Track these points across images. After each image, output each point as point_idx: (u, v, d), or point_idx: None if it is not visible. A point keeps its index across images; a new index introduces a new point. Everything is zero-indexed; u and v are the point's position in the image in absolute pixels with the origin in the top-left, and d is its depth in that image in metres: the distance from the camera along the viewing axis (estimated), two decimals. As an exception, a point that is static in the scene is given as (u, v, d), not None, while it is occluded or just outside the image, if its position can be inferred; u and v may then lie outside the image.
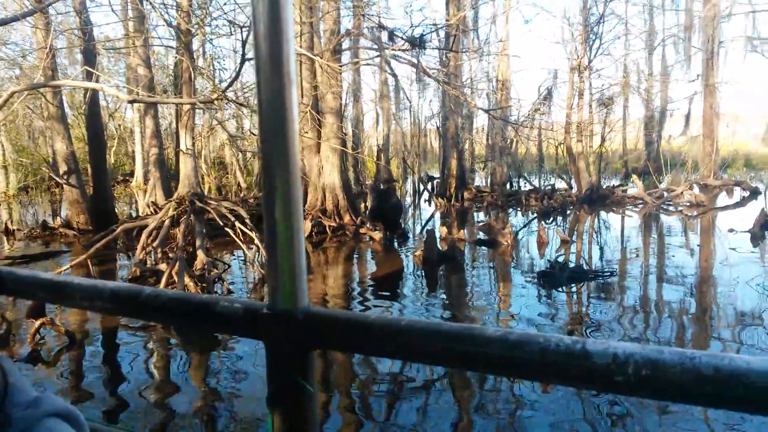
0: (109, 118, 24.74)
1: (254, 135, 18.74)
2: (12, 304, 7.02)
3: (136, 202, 19.35)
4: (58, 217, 13.09)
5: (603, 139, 20.24)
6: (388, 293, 7.67)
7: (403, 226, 11.48)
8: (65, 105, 13.40)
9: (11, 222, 12.60)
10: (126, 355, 5.38)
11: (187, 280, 7.05)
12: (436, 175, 21.28)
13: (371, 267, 9.57)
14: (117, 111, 26.95)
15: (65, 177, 11.92)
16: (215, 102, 7.46)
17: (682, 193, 16.79)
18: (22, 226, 13.05)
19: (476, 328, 0.86)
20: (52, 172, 14.48)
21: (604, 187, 18.48)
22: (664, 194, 17.08)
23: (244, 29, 6.53)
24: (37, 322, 5.48)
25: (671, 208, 15.63)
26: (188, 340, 5.79)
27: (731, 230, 11.09)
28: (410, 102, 21.31)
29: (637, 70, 23.91)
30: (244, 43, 6.48)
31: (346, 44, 13.44)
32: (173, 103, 8.55)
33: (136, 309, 1.16)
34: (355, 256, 10.42)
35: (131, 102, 6.43)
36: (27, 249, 10.83)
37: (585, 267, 8.29)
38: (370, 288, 7.97)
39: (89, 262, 8.39)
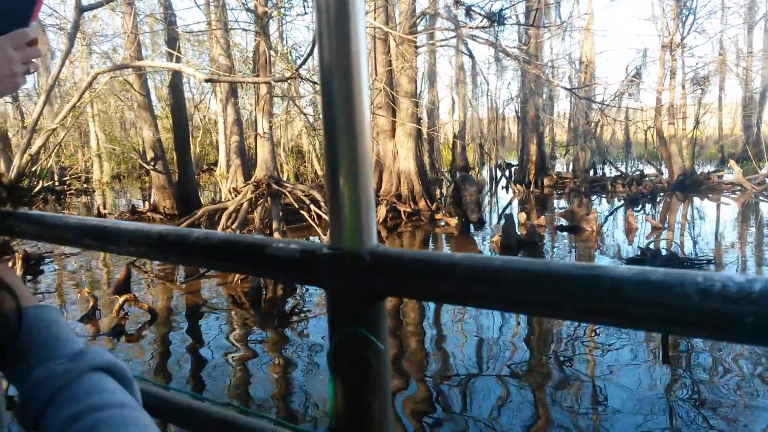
0: (194, 110, 25.76)
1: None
2: (103, 279, 7.37)
3: (220, 189, 20.08)
4: (147, 202, 13.73)
5: (697, 122, 18.92)
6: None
7: (480, 212, 11.14)
8: (152, 96, 14.00)
9: (103, 206, 13.33)
10: (206, 331, 5.48)
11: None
12: (514, 162, 20.66)
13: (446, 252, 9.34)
14: (201, 102, 28.07)
15: (152, 163, 12.45)
16: (291, 83, 7.46)
17: (787, 179, 15.36)
18: (114, 211, 13.79)
19: (601, 267, 0.64)
20: (141, 159, 15.20)
21: (698, 173, 17.21)
22: (765, 180, 15.68)
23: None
24: (121, 299, 5.68)
25: (775, 195, 14.32)
26: (265, 319, 5.83)
27: None
28: (488, 84, 20.76)
29: (735, 47, 22.06)
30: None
31: (420, 27, 13.16)
32: (249, 83, 8.66)
33: (184, 253, 1.04)
34: (430, 241, 10.23)
35: (207, 81, 6.51)
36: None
37: (679, 255, 7.67)
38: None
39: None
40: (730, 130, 24.76)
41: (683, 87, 18.30)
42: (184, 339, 5.30)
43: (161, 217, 12.40)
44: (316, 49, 0.84)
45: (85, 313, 5.76)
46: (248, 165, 16.39)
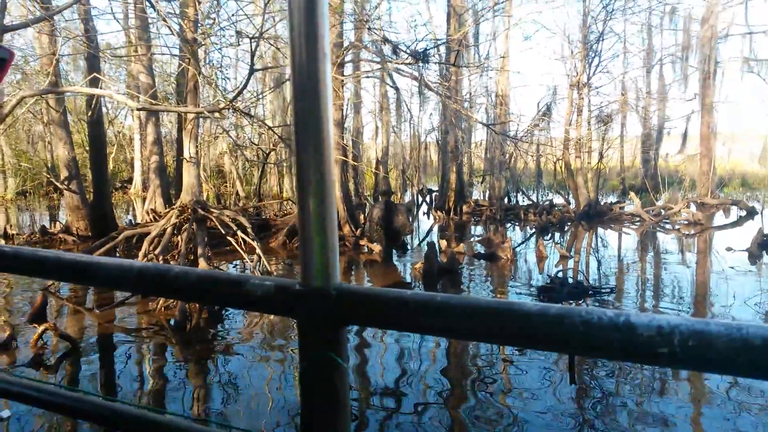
0: (109, 125, 24.76)
1: (255, 144, 18.80)
2: (8, 310, 6.99)
3: (134, 209, 19.34)
4: (57, 223, 13.05)
5: (601, 156, 20.35)
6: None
7: (403, 238, 11.47)
8: (67, 112, 13.42)
9: (10, 226, 12.55)
10: (124, 359, 5.36)
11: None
12: (435, 188, 21.31)
13: (370, 279, 9.56)
14: (116, 118, 27.02)
15: (66, 182, 11.91)
16: (219, 112, 7.49)
17: (679, 211, 16.87)
18: (21, 231, 13.00)
19: (515, 303, 0.88)
20: (52, 177, 14.45)
21: (602, 203, 18.53)
22: (661, 212, 17.15)
23: (252, 40, 6.58)
24: (40, 328, 5.45)
25: (668, 226, 15.69)
26: (187, 347, 5.78)
27: (729, 249, 11.14)
28: (411, 114, 21.43)
29: (635, 88, 24.11)
30: (252, 53, 6.52)
31: (348, 57, 13.53)
32: (181, 112, 8.58)
33: (164, 288, 1.17)
34: (353, 267, 10.40)
35: (140, 110, 6.46)
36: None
37: (584, 283, 8.30)
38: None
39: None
40: (630, 163, 26.79)
41: (589, 123, 19.66)
42: (104, 368, 5.16)
43: (74, 239, 11.83)
44: (290, 101, 1.03)
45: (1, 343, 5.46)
46: (168, 185, 15.97)
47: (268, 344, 5.91)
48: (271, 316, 6.99)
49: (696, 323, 0.76)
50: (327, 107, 0.97)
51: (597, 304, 7.44)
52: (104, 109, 19.69)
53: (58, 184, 12.03)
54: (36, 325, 5.39)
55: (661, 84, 24.97)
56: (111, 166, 23.97)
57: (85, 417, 1.28)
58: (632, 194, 19.09)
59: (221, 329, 6.50)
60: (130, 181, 25.67)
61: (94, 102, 11.13)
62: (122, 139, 27.64)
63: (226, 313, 7.04)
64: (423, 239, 13.57)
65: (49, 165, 20.61)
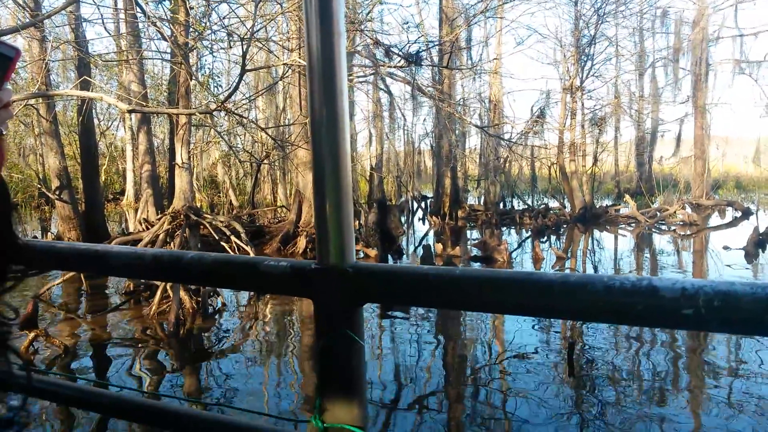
0: (101, 137, 24.65)
1: (248, 152, 18.74)
2: None
3: (127, 220, 19.21)
4: (49, 234, 12.92)
5: (596, 159, 20.41)
6: (384, 311, 7.57)
7: (398, 242, 11.41)
8: (58, 123, 13.33)
9: (0, 238, 12.38)
10: (116, 363, 5.25)
11: (182, 293, 6.92)
12: (430, 194, 21.31)
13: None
14: (108, 129, 26.93)
15: (57, 193, 11.78)
16: (211, 115, 7.43)
17: (674, 212, 16.90)
18: (11, 243, 12.81)
19: (534, 273, 0.83)
20: (43, 188, 14.33)
21: (598, 206, 18.56)
22: (656, 214, 17.18)
23: (243, 41, 6.52)
24: (31, 334, 5.35)
25: (664, 227, 15.71)
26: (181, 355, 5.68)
27: (726, 247, 11.14)
28: (405, 119, 21.42)
29: (628, 91, 24.21)
30: (244, 55, 6.47)
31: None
32: (172, 114, 8.52)
33: (179, 273, 1.13)
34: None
35: (130, 112, 6.38)
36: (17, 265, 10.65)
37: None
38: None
39: (82, 277, 8.26)
40: (625, 167, 26.88)
41: (583, 127, 19.72)
42: (96, 370, 5.06)
43: (65, 248, 11.69)
44: (306, 94, 0.99)
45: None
46: (160, 194, 15.88)
47: (266, 345, 5.82)
48: (267, 317, 6.90)
49: (720, 284, 0.75)
50: (342, 85, 0.97)
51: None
52: (96, 121, 19.64)
53: (49, 194, 11.91)
54: (27, 332, 5.30)
55: (653, 87, 25.10)
56: (103, 178, 23.88)
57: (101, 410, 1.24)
58: (627, 197, 19.13)
59: (216, 332, 6.42)
60: (122, 192, 25.52)
61: (84, 107, 11.05)
62: (114, 151, 27.54)
63: (219, 318, 6.96)
64: (419, 244, 13.51)
65: (41, 176, 20.47)
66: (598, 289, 0.79)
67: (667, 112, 46.78)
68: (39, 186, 17.28)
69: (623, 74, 23.76)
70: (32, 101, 10.21)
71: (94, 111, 14.86)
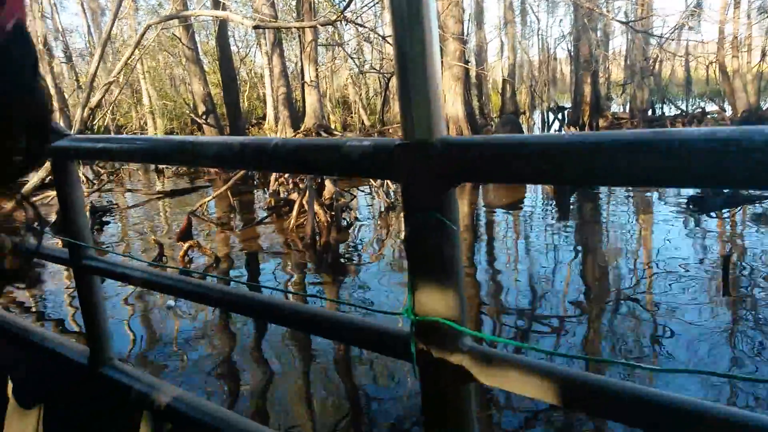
0: (240, 63, 25.93)
1: (374, 70, 18.70)
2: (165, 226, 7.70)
3: (269, 142, 20.39)
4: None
5: (764, 54, 17.72)
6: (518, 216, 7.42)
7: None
8: (200, 51, 14.17)
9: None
10: (263, 271, 5.71)
11: (316, 208, 7.28)
12: (567, 105, 20.02)
13: (497, 197, 9.29)
14: (247, 57, 28.21)
15: (204, 117, 12.74)
16: (335, 30, 7.40)
17: None
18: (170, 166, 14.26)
19: (667, 131, 0.66)
20: (192, 113, 15.56)
21: (765, 108, 16.26)
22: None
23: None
24: (186, 245, 5.96)
25: None
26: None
27: None
28: (539, 23, 19.97)
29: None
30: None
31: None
32: (294, 27, 8.67)
33: (264, 161, 1.11)
34: (480, 190, 10.19)
35: (255, 27, 6.59)
36: (175, 185, 11.88)
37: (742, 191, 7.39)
38: (498, 213, 7.76)
39: (229, 194, 8.99)
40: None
41: (748, 16, 17.13)
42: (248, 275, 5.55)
43: (215, 170, 12.77)
44: None
45: (153, 259, 6.09)
46: (296, 116, 16.54)
47: (398, 261, 5.99)
48: (400, 230, 7.07)
49: None
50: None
51: (758, 213, 6.63)
52: (234, 48, 20.64)
53: (196, 118, 12.88)
54: (182, 243, 5.92)
55: None
56: (245, 104, 25.36)
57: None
58: (805, 95, 16.53)
59: (351, 244, 6.73)
60: (264, 117, 26.98)
61: (216, 27, 11.55)
62: (254, 77, 28.92)
63: (353, 231, 7.25)
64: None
65: (190, 104, 22.22)
66: (759, 147, 0.55)
67: None
68: (189, 113, 18.77)
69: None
70: (175, 31, 10.89)
71: (232, 39, 15.57)
